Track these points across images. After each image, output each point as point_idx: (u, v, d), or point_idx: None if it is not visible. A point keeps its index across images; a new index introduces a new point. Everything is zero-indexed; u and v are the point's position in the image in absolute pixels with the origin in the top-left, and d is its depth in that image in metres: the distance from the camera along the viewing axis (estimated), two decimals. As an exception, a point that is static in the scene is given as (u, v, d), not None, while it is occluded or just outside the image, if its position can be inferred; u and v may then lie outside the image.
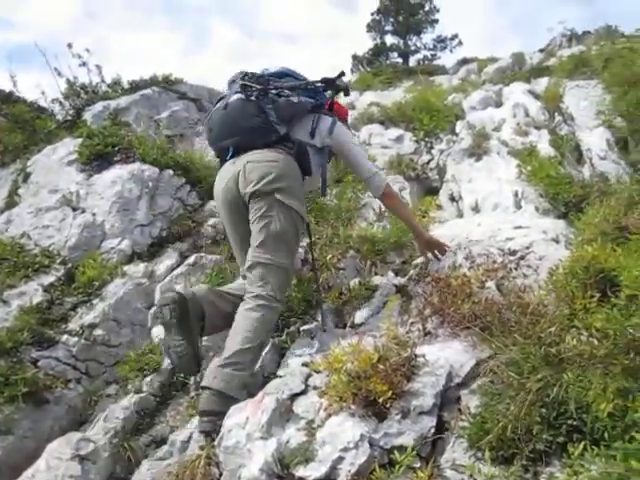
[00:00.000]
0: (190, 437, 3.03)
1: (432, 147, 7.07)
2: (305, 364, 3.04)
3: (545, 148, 6.06)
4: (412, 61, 34.59)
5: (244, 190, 3.27)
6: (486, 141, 6.62)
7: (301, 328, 3.86)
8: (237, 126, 3.37)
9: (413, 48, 37.43)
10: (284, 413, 2.63)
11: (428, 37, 37.59)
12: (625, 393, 1.95)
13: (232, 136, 3.41)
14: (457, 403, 2.47)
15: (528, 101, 7.73)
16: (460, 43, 37.33)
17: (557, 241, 3.82)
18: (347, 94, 3.74)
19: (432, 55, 36.89)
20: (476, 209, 5.45)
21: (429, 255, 3.83)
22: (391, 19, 37.48)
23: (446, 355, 2.62)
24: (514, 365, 2.29)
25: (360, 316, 3.86)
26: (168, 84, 7.12)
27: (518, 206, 5.12)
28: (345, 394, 2.40)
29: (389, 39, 37.45)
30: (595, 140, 5.79)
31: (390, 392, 2.33)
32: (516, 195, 5.27)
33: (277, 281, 3.21)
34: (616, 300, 2.32)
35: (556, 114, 7.21)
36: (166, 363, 3.72)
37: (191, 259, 4.62)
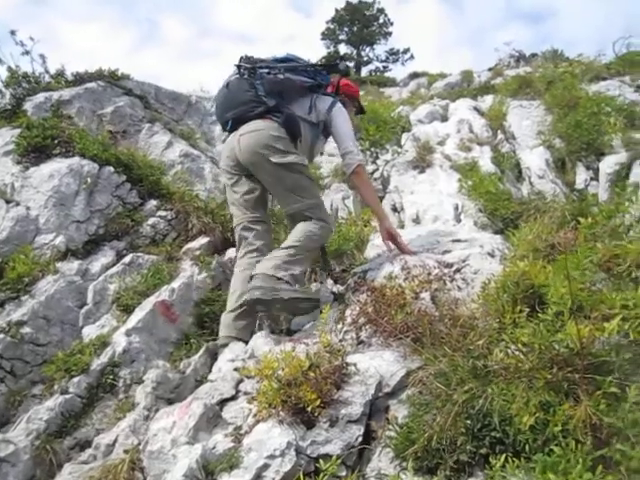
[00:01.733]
0: (115, 440, 2.96)
1: (377, 157, 7.12)
2: (237, 369, 3.01)
3: (486, 164, 6.20)
4: (364, 71, 35.01)
5: (242, 159, 3.78)
6: (430, 154, 6.72)
7: (237, 332, 3.81)
8: (234, 101, 3.87)
9: (366, 59, 37.95)
10: (212, 418, 2.60)
11: (381, 49, 38.20)
12: (547, 407, 1.99)
13: (230, 110, 3.88)
14: (386, 413, 2.48)
15: (473, 117, 7.91)
16: (412, 57, 38.07)
17: (493, 255, 3.89)
18: (347, 75, 4.22)
19: (384, 67, 37.50)
20: (417, 220, 5.51)
21: (386, 244, 4.00)
22: (345, 29, 37.84)
23: (377, 364, 2.62)
24: (442, 376, 2.31)
25: (296, 323, 3.85)
26: (114, 79, 6.93)
27: (458, 219, 5.21)
28: (274, 401, 2.38)
29: (342, 48, 37.82)
30: (535, 159, 5.95)
31: (319, 400, 2.32)
32: (456, 209, 5.36)
33: (318, 214, 3.78)
34: (543, 316, 2.36)
35: (499, 132, 7.39)
36: (95, 364, 3.62)
37: (127, 258, 4.52)
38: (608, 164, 3.51)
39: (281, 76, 3.83)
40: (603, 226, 2.96)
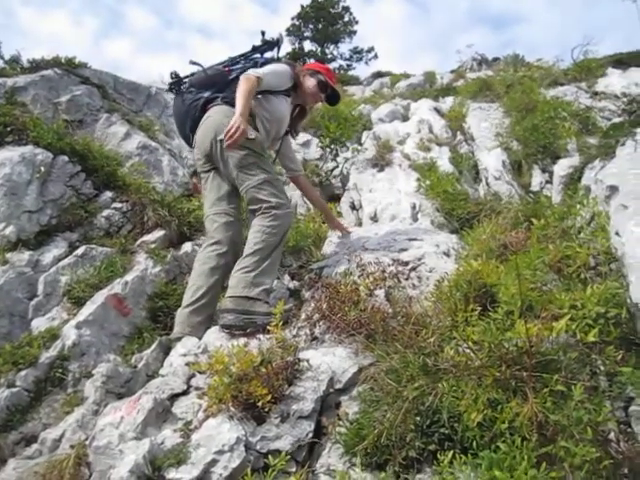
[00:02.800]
0: (62, 435, 2.89)
1: (337, 155, 7.12)
2: (189, 364, 2.97)
3: (445, 164, 6.25)
4: (328, 69, 34.85)
5: (201, 151, 3.90)
6: (390, 153, 6.75)
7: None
8: (181, 115, 4.08)
9: (330, 56, 37.96)
10: (162, 413, 2.56)
11: (345, 47, 38.25)
12: (494, 404, 2.02)
13: (184, 123, 4.09)
14: (337, 409, 2.48)
15: (433, 118, 7.97)
16: (376, 56, 38.26)
17: (448, 255, 3.93)
18: (278, 45, 4.28)
19: (348, 65, 37.59)
20: (375, 218, 5.53)
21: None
22: (311, 26, 37.82)
23: (330, 361, 2.62)
24: (393, 373, 2.32)
25: (251, 318, 3.82)
26: (71, 67, 6.76)
27: (415, 218, 5.24)
28: (225, 396, 2.36)
29: (307, 45, 37.81)
30: (492, 160, 6.02)
31: (270, 396, 2.31)
32: (414, 208, 5.39)
33: (270, 191, 3.70)
34: (494, 314, 2.39)
35: (458, 133, 7.46)
36: (44, 357, 3.53)
37: (80, 250, 4.41)
38: (562, 167, 3.58)
39: (205, 73, 4.03)
40: (555, 228, 3.01)
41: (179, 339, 3.43)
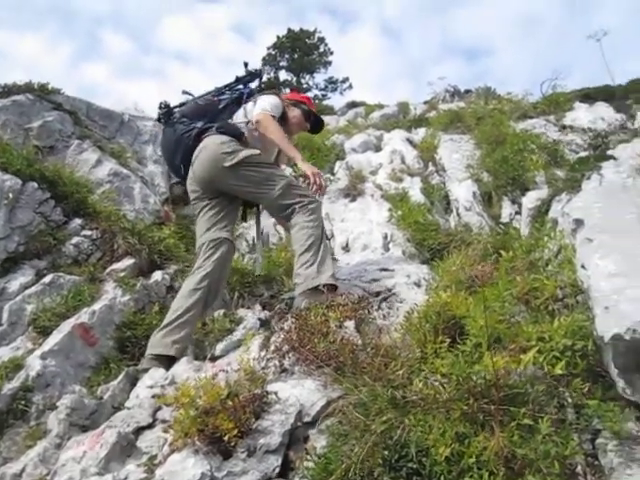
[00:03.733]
0: (23, 470, 2.80)
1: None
2: (155, 396, 2.92)
3: (416, 195, 6.31)
4: (303, 99, 35.22)
5: (202, 181, 3.94)
6: (362, 183, 6.80)
7: (159, 357, 3.71)
8: (170, 146, 4.10)
9: (305, 86, 38.38)
10: (126, 447, 2.51)
11: (320, 77, 38.66)
12: (462, 438, 2.01)
13: (174, 154, 4.09)
14: (305, 442, 2.44)
15: (406, 149, 8.06)
16: (350, 87, 38.76)
17: (419, 285, 3.95)
18: (259, 76, 4.49)
19: (323, 95, 38.02)
20: (347, 248, 5.55)
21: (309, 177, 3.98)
22: (286, 56, 38.25)
23: (298, 393, 2.59)
24: (362, 406, 2.30)
25: (220, 348, 3.78)
26: (44, 93, 6.73)
27: (386, 249, 5.26)
28: (190, 430, 2.31)
29: (283, 75, 38.20)
30: (463, 192, 6.09)
31: (237, 430, 2.27)
32: (385, 238, 5.42)
33: (294, 192, 3.84)
34: (462, 347, 2.40)
35: (430, 164, 7.55)
36: (6, 388, 3.44)
37: (47, 278, 4.33)
38: (530, 199, 3.63)
39: (194, 102, 4.18)
40: (523, 260, 3.04)
41: (146, 370, 3.38)
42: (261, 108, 3.97)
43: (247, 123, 4.06)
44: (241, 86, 4.34)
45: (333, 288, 3.53)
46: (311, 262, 3.60)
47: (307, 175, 3.93)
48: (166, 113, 4.11)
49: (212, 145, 3.88)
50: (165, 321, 3.65)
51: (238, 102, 4.22)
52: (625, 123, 3.92)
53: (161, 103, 4.13)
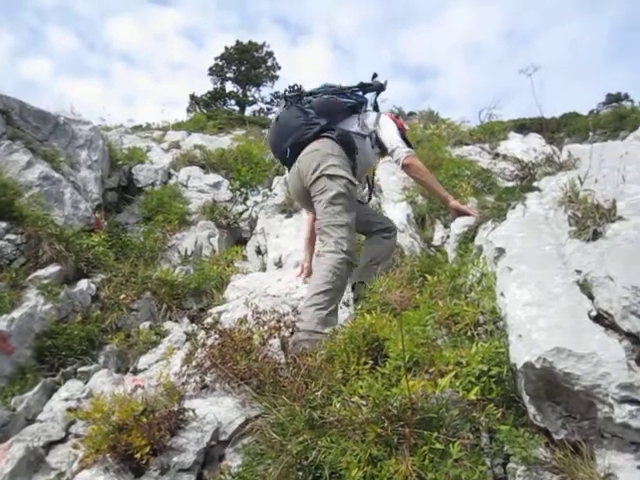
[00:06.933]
0: None
1: (247, 198, 7.12)
2: (70, 409, 2.84)
3: (352, 214, 6.35)
4: (248, 111, 35.33)
5: (305, 184, 3.92)
6: (298, 200, 6.81)
7: (78, 369, 3.63)
8: (287, 129, 4.08)
9: (251, 99, 38.32)
10: (34, 463, 2.42)
11: (267, 91, 38.69)
12: (375, 461, 2.02)
13: (286, 138, 4.08)
14: (220, 461, 2.41)
15: (343, 167, 8.11)
16: (297, 102, 38.80)
17: (347, 305, 3.97)
18: (383, 90, 4.40)
19: (268, 109, 37.99)
20: (279, 264, 5.53)
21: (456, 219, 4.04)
22: (234, 67, 38.20)
23: (217, 411, 2.56)
24: (279, 426, 2.29)
25: (144, 362, 3.72)
26: (-26, 90, 6.51)
27: (319, 266, 5.26)
28: (102, 446, 2.25)
29: (229, 86, 38.11)
30: (397, 213, 6.17)
31: (149, 447, 2.22)
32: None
33: (346, 237, 3.71)
34: (382, 369, 2.42)
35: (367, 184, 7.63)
36: None
37: (-34, 283, 4.18)
38: (457, 225, 3.70)
39: (326, 97, 4.14)
40: (446, 285, 3.10)
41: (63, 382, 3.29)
42: (403, 145, 4.10)
43: (365, 138, 4.12)
44: (360, 93, 4.36)
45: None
46: (323, 307, 3.47)
47: (468, 212, 3.98)
48: (296, 96, 4.14)
49: (323, 151, 3.88)
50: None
51: (353, 109, 4.25)
52: (552, 157, 4.06)
53: (294, 85, 4.21)
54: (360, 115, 4.26)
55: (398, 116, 4.62)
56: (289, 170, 4.21)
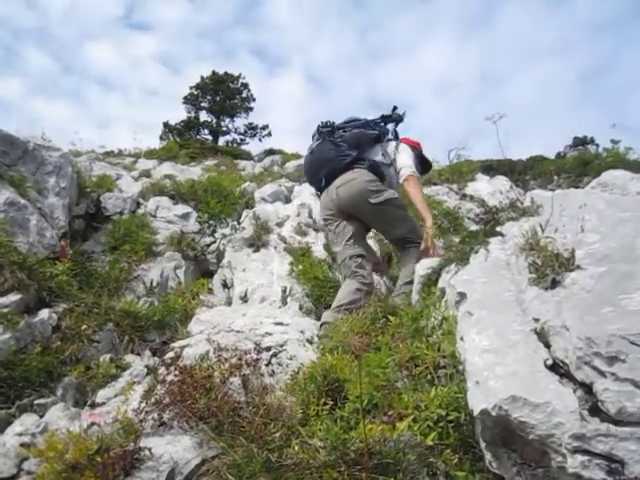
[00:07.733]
0: None
1: (215, 230, 7.12)
2: (24, 444, 2.77)
3: (319, 250, 6.40)
4: (221, 141, 35.45)
5: (344, 206, 4.64)
6: (267, 234, 6.84)
7: (35, 401, 3.55)
8: (322, 160, 4.73)
9: (225, 129, 38.48)
10: (-19, 501, 2.36)
11: (241, 122, 38.88)
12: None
13: (321, 169, 4.75)
14: (175, 502, 2.38)
15: (314, 203, 8.18)
16: (269, 134, 39.18)
17: (311, 342, 3.97)
18: (402, 120, 5.03)
19: (241, 140, 38.21)
20: (245, 299, 5.52)
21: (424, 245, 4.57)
22: (208, 97, 38.39)
23: (173, 450, 2.53)
24: (236, 467, 2.27)
25: (102, 395, 3.66)
26: (-58, 112, 6.44)
27: (285, 302, 5.28)
28: (53, 485, 2.21)
29: (203, 115, 38.23)
30: (364, 251, 6.20)
31: (103, 487, 2.18)
32: (285, 291, 5.44)
33: (418, 233, 4.60)
34: (341, 411, 2.42)
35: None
36: None
37: None
38: (422, 266, 3.73)
39: (356, 131, 4.73)
40: (408, 327, 3.12)
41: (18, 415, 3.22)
42: (409, 166, 4.67)
43: (389, 166, 4.75)
44: (382, 124, 4.95)
45: None
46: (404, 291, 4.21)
47: (426, 239, 4.46)
48: (330, 131, 4.70)
49: (362, 180, 4.53)
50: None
51: (377, 139, 4.86)
52: (516, 202, 4.18)
53: (326, 122, 4.76)
54: (382, 144, 4.88)
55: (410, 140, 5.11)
56: (320, 195, 4.94)
